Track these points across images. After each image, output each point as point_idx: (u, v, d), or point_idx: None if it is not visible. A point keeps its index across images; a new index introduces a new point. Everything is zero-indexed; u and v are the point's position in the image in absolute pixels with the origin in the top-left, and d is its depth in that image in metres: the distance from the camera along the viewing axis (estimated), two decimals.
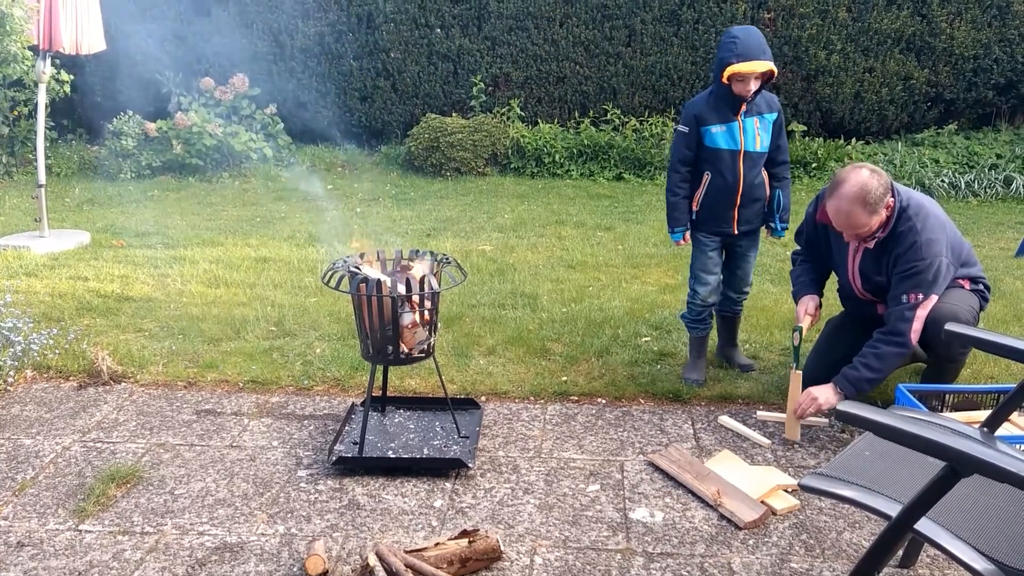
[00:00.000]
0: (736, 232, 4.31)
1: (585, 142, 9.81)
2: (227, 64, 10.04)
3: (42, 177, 7.02)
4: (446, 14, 10.03)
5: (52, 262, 6.44)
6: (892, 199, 3.72)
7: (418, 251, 3.86)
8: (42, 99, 6.98)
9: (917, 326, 3.74)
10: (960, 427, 2.74)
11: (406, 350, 3.68)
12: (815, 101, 10.26)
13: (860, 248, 3.93)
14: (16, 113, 9.50)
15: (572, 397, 4.35)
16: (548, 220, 7.74)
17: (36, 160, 7.07)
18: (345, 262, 3.75)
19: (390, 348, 3.65)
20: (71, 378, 4.59)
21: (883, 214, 3.70)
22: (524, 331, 5.05)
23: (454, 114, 10.08)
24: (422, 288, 3.59)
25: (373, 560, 2.99)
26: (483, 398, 4.33)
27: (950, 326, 2.34)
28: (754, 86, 4.05)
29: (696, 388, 4.36)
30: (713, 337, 4.74)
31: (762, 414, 4.12)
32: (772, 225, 4.38)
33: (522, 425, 4.07)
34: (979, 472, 1.99)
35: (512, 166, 9.80)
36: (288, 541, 3.23)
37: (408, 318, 3.63)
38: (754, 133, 4.18)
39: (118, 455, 3.84)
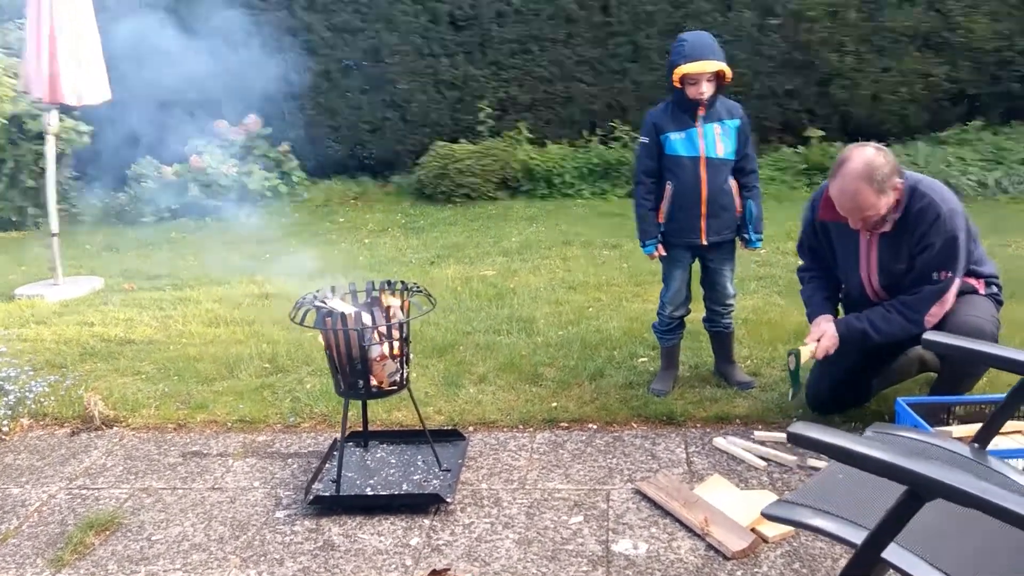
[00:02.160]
0: (705, 243, 4.21)
1: (595, 160, 9.74)
2: (240, 106, 10.18)
3: (54, 226, 7.13)
4: (449, 42, 10.08)
5: (63, 309, 6.52)
6: (900, 180, 3.53)
7: (389, 282, 3.81)
8: (51, 150, 7.10)
9: (939, 310, 3.57)
10: (948, 444, 2.60)
11: (377, 383, 3.63)
12: (832, 105, 10.09)
13: (874, 238, 3.72)
14: (41, 166, 9.68)
15: (562, 423, 4.25)
16: (554, 241, 7.67)
17: (47, 210, 7.18)
18: (315, 296, 3.72)
19: (360, 382, 3.60)
20: (65, 425, 4.60)
21: (892, 196, 3.51)
22: (517, 357, 4.97)
23: (463, 140, 10.09)
24: (388, 319, 3.54)
25: None
26: (471, 428, 4.25)
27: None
28: (707, 88, 3.99)
29: (684, 406, 4.25)
30: (710, 355, 4.63)
31: (760, 435, 3.98)
32: (746, 236, 4.27)
33: (508, 455, 3.99)
34: (941, 496, 1.84)
35: (522, 189, 9.77)
36: None
37: (376, 350, 3.57)
38: (714, 139, 4.10)
39: (101, 501, 3.83)
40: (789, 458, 3.75)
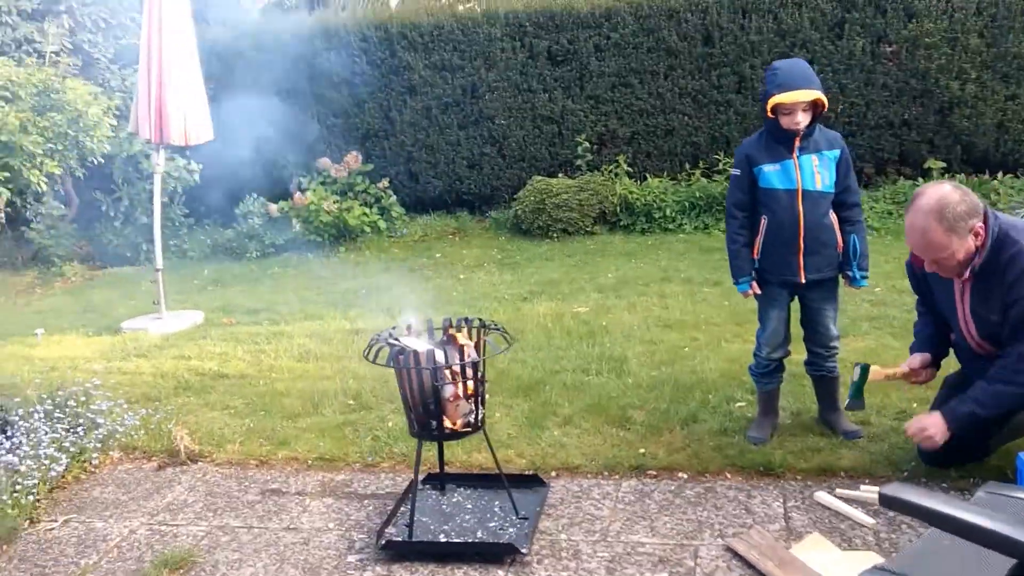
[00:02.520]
0: (804, 281, 3.92)
1: (697, 194, 9.46)
2: (342, 143, 10.36)
3: (159, 262, 7.33)
4: (548, 77, 10.01)
5: (163, 343, 6.66)
6: (982, 224, 3.24)
7: (467, 319, 3.68)
8: (158, 189, 7.32)
9: None
10: None
11: (450, 424, 3.49)
12: (953, 135, 9.54)
13: (966, 286, 3.42)
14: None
15: (650, 471, 4.01)
16: (653, 278, 7.42)
17: (153, 246, 7.39)
18: (391, 333, 3.62)
19: (433, 423, 3.47)
20: (153, 458, 4.64)
21: (970, 241, 3.23)
22: (605, 398, 4.76)
23: (560, 175, 9.97)
24: (461, 358, 3.40)
25: None
26: (553, 473, 4.06)
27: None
28: (803, 118, 3.74)
29: (783, 456, 3.95)
30: (814, 401, 4.31)
31: (843, 492, 3.64)
32: (849, 274, 3.96)
33: (591, 504, 3.77)
34: None
35: (621, 223, 9.56)
36: None
37: (449, 390, 3.44)
38: (812, 171, 3.84)
39: (179, 538, 3.80)
40: (867, 520, 3.43)
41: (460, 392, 3.46)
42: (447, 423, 3.48)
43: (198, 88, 7.04)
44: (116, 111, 8.35)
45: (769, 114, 3.78)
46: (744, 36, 9.63)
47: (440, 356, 3.42)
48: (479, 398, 3.51)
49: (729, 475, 3.92)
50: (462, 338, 3.57)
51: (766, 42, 9.57)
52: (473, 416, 3.51)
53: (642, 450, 4.16)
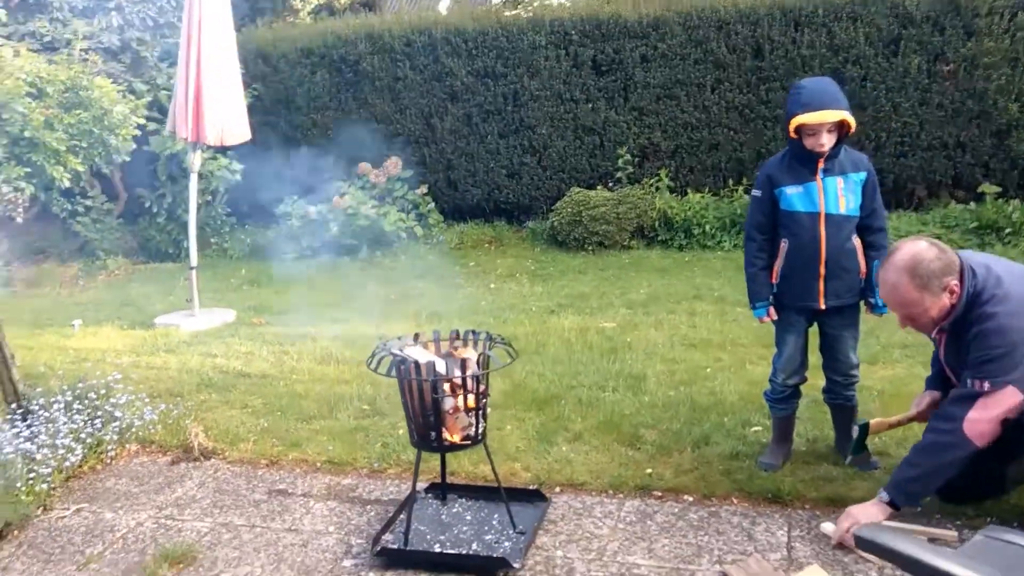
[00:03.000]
0: (823, 307, 3.83)
1: (739, 211, 9.33)
2: (383, 148, 10.43)
3: (194, 260, 7.45)
4: (591, 87, 9.97)
5: (193, 339, 6.77)
6: (957, 283, 3.18)
7: (474, 332, 3.67)
8: (193, 187, 7.44)
9: (982, 423, 3.15)
10: None
11: (450, 437, 3.47)
12: (1009, 159, 9.27)
13: (941, 338, 3.42)
14: (200, 202, 10.23)
15: (655, 492, 3.95)
16: (685, 295, 7.34)
17: (189, 244, 7.51)
18: (397, 342, 3.62)
19: (433, 434, 3.46)
20: (168, 453, 4.70)
21: (944, 299, 3.19)
22: (618, 416, 4.70)
23: (600, 187, 9.91)
24: (463, 370, 3.39)
25: None
26: (557, 489, 4.02)
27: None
28: (827, 140, 3.64)
29: (793, 484, 3.86)
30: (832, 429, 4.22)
31: (827, 526, 3.54)
32: (872, 300, 3.85)
33: (592, 522, 3.73)
34: None
35: (659, 238, 9.47)
36: None
37: (449, 403, 3.42)
38: (836, 194, 3.74)
39: (183, 533, 3.85)
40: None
41: (460, 405, 3.45)
42: (446, 435, 3.47)
43: (236, 90, 7.15)
44: (157, 109, 8.55)
45: (792, 134, 3.70)
46: (795, 50, 9.48)
47: (441, 368, 3.40)
48: (480, 411, 3.49)
49: (736, 500, 3.84)
50: (466, 351, 3.56)
51: (818, 57, 9.41)
52: (473, 429, 3.49)
53: (649, 470, 4.11)
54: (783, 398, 4.05)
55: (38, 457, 4.18)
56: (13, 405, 4.51)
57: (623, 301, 7.27)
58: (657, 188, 9.79)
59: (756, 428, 4.48)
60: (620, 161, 9.90)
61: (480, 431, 3.52)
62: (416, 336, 3.69)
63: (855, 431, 3.71)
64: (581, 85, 10.01)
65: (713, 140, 9.86)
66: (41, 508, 4.09)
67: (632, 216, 9.41)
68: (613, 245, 9.40)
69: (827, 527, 3.52)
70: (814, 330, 4.05)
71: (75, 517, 4.05)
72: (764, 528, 3.60)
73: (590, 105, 10.04)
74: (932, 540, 3.37)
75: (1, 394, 4.59)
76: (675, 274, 8.27)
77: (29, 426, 4.37)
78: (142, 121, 4.53)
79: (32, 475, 4.10)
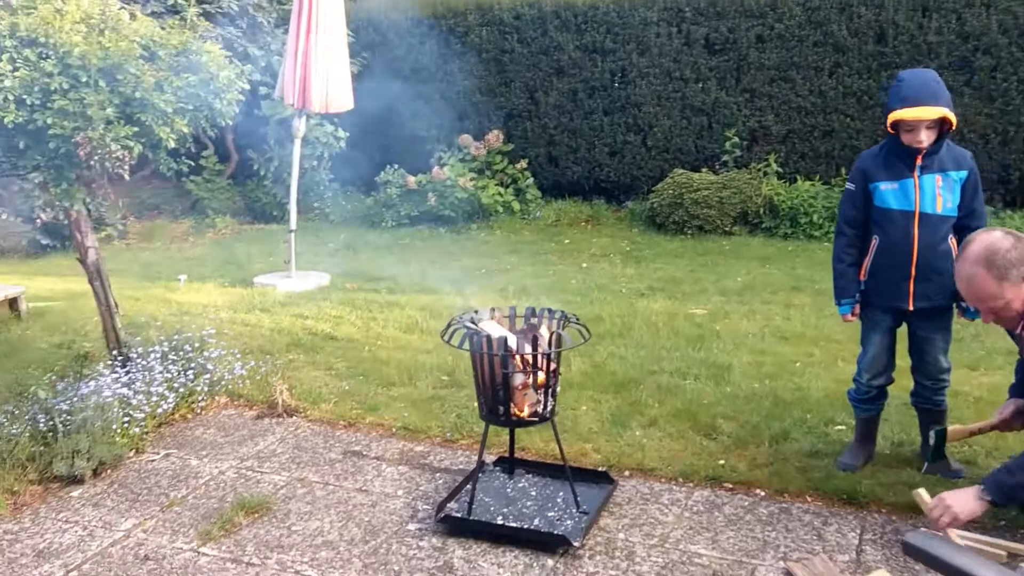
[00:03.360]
0: (912, 309, 3.65)
1: None
2: (485, 121, 10.46)
3: (293, 223, 7.67)
4: (702, 66, 9.73)
5: (287, 300, 6.97)
6: None
7: (550, 310, 3.66)
8: (296, 153, 7.64)
9: None
10: None
11: (517, 412, 3.48)
12: None
13: None
14: (304, 166, 10.49)
15: (726, 484, 3.88)
16: (783, 286, 7.13)
17: (290, 208, 7.72)
18: (474, 315, 3.65)
19: (501, 408, 3.48)
20: (254, 407, 4.88)
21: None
22: (696, 404, 4.62)
23: (704, 169, 9.69)
24: (534, 348, 3.39)
25: None
26: (626, 473, 3.99)
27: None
28: (926, 137, 3.46)
29: (871, 487, 3.72)
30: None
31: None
32: (963, 304, 3.65)
33: (658, 508, 3.69)
34: None
35: (763, 225, 9.21)
36: None
37: (519, 378, 3.43)
38: (934, 193, 3.55)
39: (261, 484, 3.99)
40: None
41: (529, 381, 3.45)
42: (514, 410, 3.48)
43: (342, 58, 7.27)
44: (270, 74, 8.77)
45: (890, 129, 3.54)
46: (921, 36, 9.01)
47: (512, 343, 3.41)
48: (549, 389, 3.49)
49: (809, 499, 3.74)
50: (541, 329, 3.56)
51: (945, 44, 8.92)
52: (541, 407, 3.49)
53: (722, 461, 4.03)
54: (867, 399, 3.91)
55: (133, 402, 4.40)
56: (115, 352, 4.75)
57: (717, 288, 7.12)
58: (765, 173, 9.51)
59: (839, 427, 4.34)
60: (728, 144, 9.66)
61: (548, 409, 3.52)
62: (492, 311, 3.70)
63: (931, 437, 3.56)
64: (692, 64, 9.78)
65: (827, 126, 9.50)
66: (133, 451, 4.31)
67: (736, 201, 9.18)
68: (714, 230, 9.20)
69: (922, 493, 3.38)
70: (904, 331, 3.88)
71: (163, 461, 4.26)
72: (835, 529, 3.50)
73: (700, 85, 9.81)
74: (1012, 555, 3.21)
75: (104, 341, 4.84)
76: (776, 263, 8.04)
77: (128, 372, 4.59)
78: (247, 86, 4.64)
79: (127, 419, 4.32)
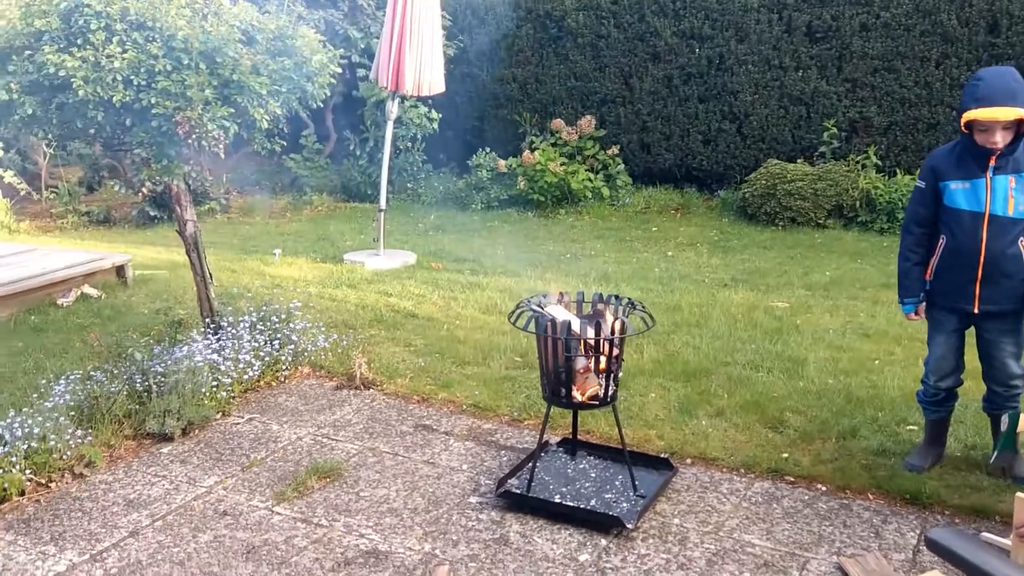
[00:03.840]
0: (977, 311, 3.56)
1: None
2: (578, 106, 10.49)
3: (383, 203, 7.90)
4: (803, 55, 9.52)
5: (374, 277, 7.20)
6: None
7: (617, 296, 3.72)
8: (388, 134, 7.85)
9: None
10: None
11: (579, 395, 3.56)
12: None
13: None
14: (399, 146, 10.74)
15: (788, 477, 3.88)
16: (872, 282, 6.97)
17: (380, 187, 7.95)
18: (541, 300, 3.74)
19: (563, 391, 3.56)
20: (334, 379, 5.09)
21: None
22: (766, 397, 4.61)
23: (800, 160, 9.50)
24: (598, 333, 3.46)
25: None
26: (688, 461, 4.03)
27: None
28: (1001, 137, 3.36)
29: (936, 488, 3.66)
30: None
31: (987, 536, 3.33)
32: None
33: (716, 497, 3.72)
34: None
35: (859, 219, 8.97)
36: (427, 560, 3.30)
37: (581, 362, 3.51)
38: (1006, 194, 3.44)
39: (335, 451, 4.19)
40: None
41: (591, 366, 3.52)
42: (575, 393, 3.56)
43: (436, 42, 7.42)
44: (368, 56, 9.00)
45: (964, 128, 3.45)
46: None
47: (576, 328, 3.48)
48: (611, 375, 3.55)
49: (871, 496, 3.71)
50: (606, 315, 3.63)
51: None
52: (602, 391, 3.56)
53: (786, 455, 4.03)
54: (936, 401, 3.84)
55: (222, 368, 4.66)
56: (207, 320, 5.03)
57: (803, 282, 7.01)
58: (863, 166, 9.26)
59: (911, 427, 4.27)
60: (826, 135, 9.43)
61: (610, 394, 3.59)
62: (561, 295, 3.78)
63: (1004, 422, 3.43)
64: (792, 52, 9.58)
65: (932, 119, 9.18)
66: (220, 413, 4.58)
67: (831, 194, 8.98)
68: (806, 222, 9.02)
69: (987, 537, 3.32)
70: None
71: (247, 425, 4.50)
72: (895, 528, 3.47)
73: (800, 73, 9.60)
74: None
75: (198, 309, 5.13)
76: (868, 259, 7.85)
77: (219, 340, 4.86)
78: (339, 70, 4.83)
79: (216, 383, 4.59)
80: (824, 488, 3.79)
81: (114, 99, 4.10)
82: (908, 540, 3.38)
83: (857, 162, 9.31)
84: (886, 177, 9.20)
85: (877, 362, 5.18)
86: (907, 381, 4.82)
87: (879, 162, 9.30)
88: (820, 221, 9.04)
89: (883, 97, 9.33)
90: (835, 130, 9.42)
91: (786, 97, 9.72)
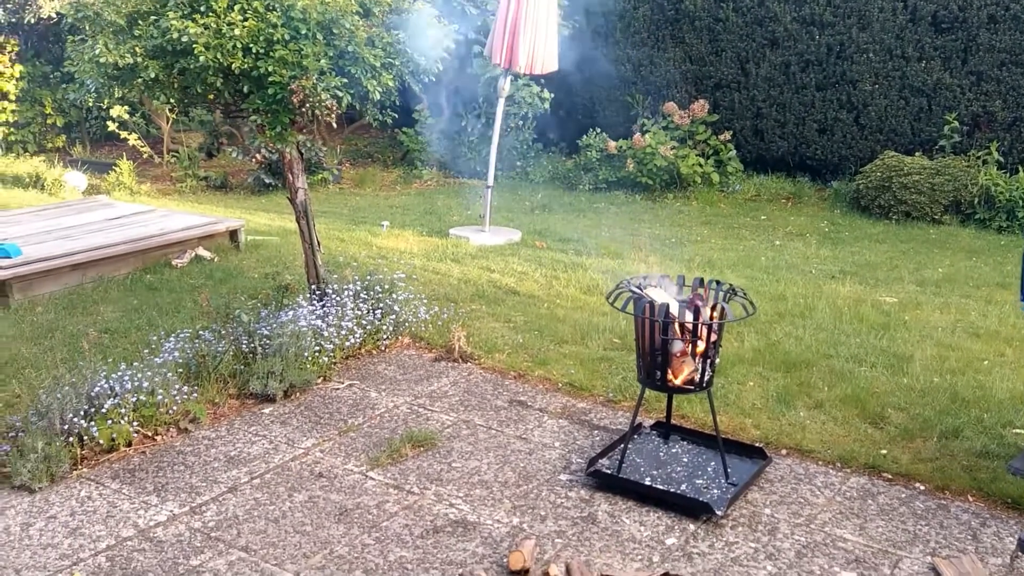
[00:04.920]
0: None
1: None
2: (692, 90, 10.35)
3: (490, 179, 8.00)
4: (927, 45, 9.14)
5: (478, 252, 7.31)
6: None
7: (718, 282, 3.69)
8: (499, 111, 7.93)
9: None
10: None
11: (674, 379, 3.57)
12: None
13: None
14: (511, 124, 10.83)
15: (885, 474, 3.80)
16: (987, 281, 6.69)
17: (489, 165, 8.05)
18: (641, 281, 3.75)
19: (658, 373, 3.57)
20: (433, 351, 5.21)
21: None
22: (867, 392, 4.50)
23: (918, 153, 9.15)
24: (696, 317, 3.45)
25: (555, 570, 3.00)
26: (783, 451, 3.99)
27: None
28: None
29: None
30: None
31: None
32: None
33: (810, 489, 3.68)
34: None
35: (976, 216, 8.60)
36: (515, 533, 3.36)
37: (678, 346, 3.51)
38: None
39: (430, 422, 4.31)
40: None
41: (688, 350, 3.52)
42: (670, 377, 3.56)
43: (551, 21, 7.43)
44: (484, 33, 9.07)
45: None
46: None
47: (674, 310, 3.48)
48: (708, 360, 3.54)
49: (971, 498, 3.60)
50: (707, 299, 3.61)
51: None
52: (698, 375, 3.56)
53: (884, 451, 3.94)
54: None
55: (325, 334, 4.82)
56: (313, 286, 5.21)
57: (914, 277, 6.78)
58: (984, 162, 8.86)
59: (1017, 431, 4.11)
60: (947, 128, 9.06)
61: (706, 379, 3.58)
62: (661, 278, 3.78)
63: None
64: (915, 42, 9.21)
65: None
66: (321, 378, 4.75)
67: (949, 189, 8.63)
68: (922, 217, 8.70)
69: None
70: None
71: (346, 391, 4.66)
72: (993, 532, 3.36)
73: (923, 64, 9.23)
74: None
75: (305, 276, 5.32)
76: (984, 257, 7.53)
77: (323, 306, 5.03)
78: (452, 45, 4.91)
79: (318, 349, 4.76)
80: (922, 487, 3.69)
81: (233, 66, 4.27)
82: (1007, 545, 3.27)
83: (978, 158, 8.93)
84: (1007, 174, 8.80)
85: (986, 363, 4.98)
86: (1016, 383, 4.64)
87: (1001, 158, 8.89)
88: (936, 216, 8.71)
89: (1008, 92, 8.91)
90: (956, 124, 9.05)
91: (907, 88, 9.37)
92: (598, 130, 10.38)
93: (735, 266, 6.95)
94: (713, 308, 3.51)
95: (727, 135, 10.09)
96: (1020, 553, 3.06)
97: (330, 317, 4.92)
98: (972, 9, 8.89)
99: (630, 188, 9.99)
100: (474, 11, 9.61)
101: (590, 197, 9.83)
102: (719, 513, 3.41)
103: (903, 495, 3.64)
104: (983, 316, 5.80)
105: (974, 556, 3.17)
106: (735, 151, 10.14)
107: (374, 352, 5.16)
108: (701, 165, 9.82)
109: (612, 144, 10.07)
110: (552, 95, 10.23)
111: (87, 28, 4.54)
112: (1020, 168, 8.75)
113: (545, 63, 7.46)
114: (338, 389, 4.68)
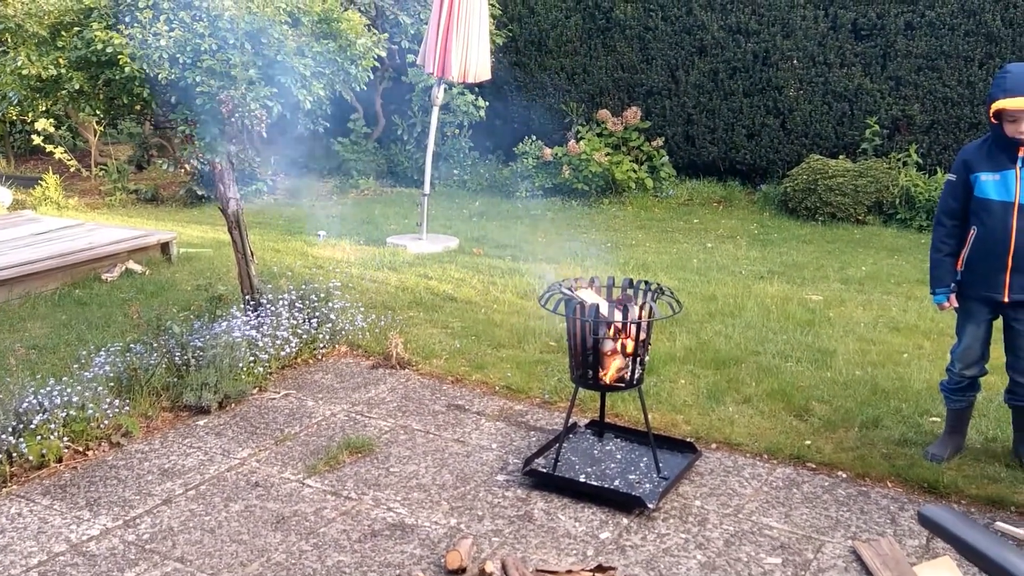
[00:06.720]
0: (1007, 300, 3.61)
1: None
2: (624, 97, 10.53)
3: (426, 188, 8.06)
4: (848, 52, 9.45)
5: (415, 260, 7.34)
6: None
7: (646, 282, 3.80)
8: (434, 120, 7.98)
9: None
10: None
11: (605, 378, 3.66)
12: None
13: None
14: (445, 132, 10.87)
15: (809, 464, 3.95)
16: (908, 278, 6.95)
17: (424, 173, 8.10)
18: (573, 283, 3.83)
19: (590, 373, 3.66)
20: (370, 358, 5.24)
21: None
22: (792, 386, 4.66)
23: (842, 156, 9.45)
24: (624, 317, 3.55)
25: (491, 567, 3.06)
26: (713, 446, 4.11)
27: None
28: None
29: (955, 478, 3.71)
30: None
31: (1001, 525, 3.38)
32: None
33: (738, 481, 3.81)
34: None
35: (898, 216, 8.92)
36: (452, 534, 3.42)
37: (608, 345, 3.60)
38: None
39: (367, 428, 4.34)
40: None
41: (618, 348, 3.62)
42: (602, 375, 3.66)
43: (483, 29, 7.50)
44: (418, 42, 9.12)
45: (992, 119, 3.50)
46: None
47: (604, 311, 3.58)
48: (637, 358, 3.64)
49: (890, 484, 3.76)
50: (636, 299, 3.72)
51: None
52: (628, 373, 3.66)
53: (809, 442, 4.09)
54: (959, 389, 3.89)
55: (260, 344, 4.83)
56: (247, 297, 5.20)
57: (839, 276, 7.01)
58: (904, 164, 9.20)
59: (934, 419, 4.30)
60: (868, 132, 9.37)
61: (636, 376, 3.68)
62: (591, 280, 3.88)
63: None
64: (837, 49, 9.52)
65: (975, 118, 9.08)
66: (257, 388, 4.75)
67: (872, 190, 8.93)
68: (846, 218, 8.98)
69: (1001, 527, 3.37)
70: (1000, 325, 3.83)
71: (283, 400, 4.67)
72: (910, 515, 3.53)
73: (844, 70, 9.54)
74: None
75: (239, 286, 5.30)
76: (906, 255, 7.81)
77: (258, 317, 5.03)
78: (382, 54, 4.96)
79: (253, 359, 4.75)
80: (844, 475, 3.85)
81: (159, 77, 4.25)
82: (922, 528, 3.42)
83: (898, 160, 9.26)
84: (927, 175, 9.14)
85: (905, 355, 5.20)
86: (933, 374, 4.85)
87: (920, 160, 9.24)
88: (860, 217, 9.01)
89: (925, 96, 9.26)
90: (877, 127, 9.35)
91: (830, 93, 9.66)
92: (534, 138, 10.49)
93: (668, 268, 7.11)
94: (641, 307, 3.61)
95: (659, 141, 10.28)
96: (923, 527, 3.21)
97: (265, 327, 4.91)
98: (890, 16, 9.22)
99: (566, 194, 10.11)
100: (407, 20, 9.65)
101: (527, 204, 9.94)
102: (651, 506, 3.51)
103: (826, 483, 3.79)
104: (903, 311, 6.04)
105: (892, 539, 3.31)
106: (667, 157, 10.33)
107: (311, 361, 5.17)
108: (635, 171, 10.00)
109: (548, 151, 10.19)
110: (487, 103, 10.31)
111: (9, 40, 4.48)
112: (938, 170, 9.09)
113: (478, 72, 7.53)
114: (274, 399, 4.68)
